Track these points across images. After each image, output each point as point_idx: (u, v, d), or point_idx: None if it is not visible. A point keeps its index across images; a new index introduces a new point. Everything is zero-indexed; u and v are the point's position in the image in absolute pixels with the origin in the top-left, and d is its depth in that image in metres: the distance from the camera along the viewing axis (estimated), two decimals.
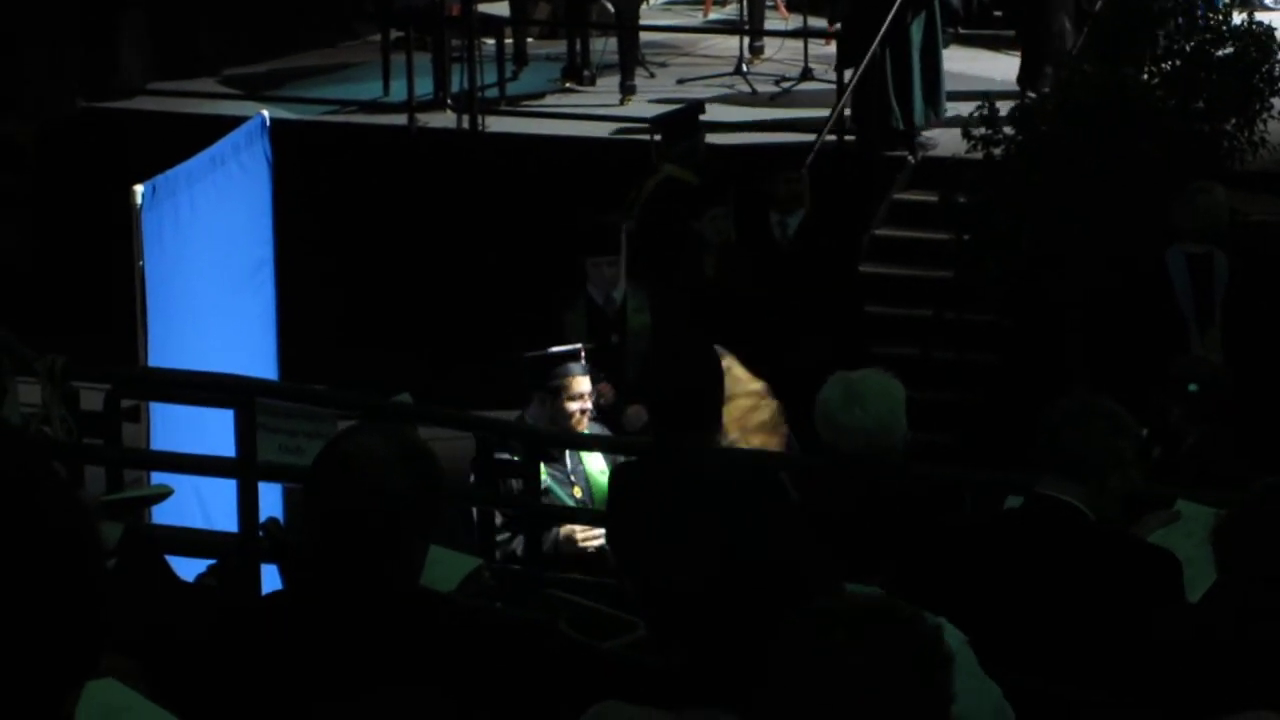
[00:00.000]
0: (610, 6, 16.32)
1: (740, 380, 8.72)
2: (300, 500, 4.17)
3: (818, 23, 17.23)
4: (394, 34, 16.61)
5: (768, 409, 9.20)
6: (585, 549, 8.79)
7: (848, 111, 13.78)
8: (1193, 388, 8.80)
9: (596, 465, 9.00)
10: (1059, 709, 5.15)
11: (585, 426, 9.10)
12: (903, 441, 5.80)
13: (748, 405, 8.86)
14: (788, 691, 2.80)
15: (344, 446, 3.88)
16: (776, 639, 2.80)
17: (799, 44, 16.53)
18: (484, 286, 14.20)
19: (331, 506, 3.80)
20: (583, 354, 9.34)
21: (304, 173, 13.40)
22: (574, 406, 9.07)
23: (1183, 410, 8.80)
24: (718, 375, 6.40)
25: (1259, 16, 14.12)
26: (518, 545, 8.77)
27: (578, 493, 8.95)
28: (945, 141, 13.81)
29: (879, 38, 13.36)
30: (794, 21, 17.72)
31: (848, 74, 13.81)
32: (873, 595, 2.98)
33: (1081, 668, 5.23)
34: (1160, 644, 5.13)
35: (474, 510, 8.91)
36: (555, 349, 9.36)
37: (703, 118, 13.10)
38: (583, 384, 9.12)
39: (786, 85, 16.29)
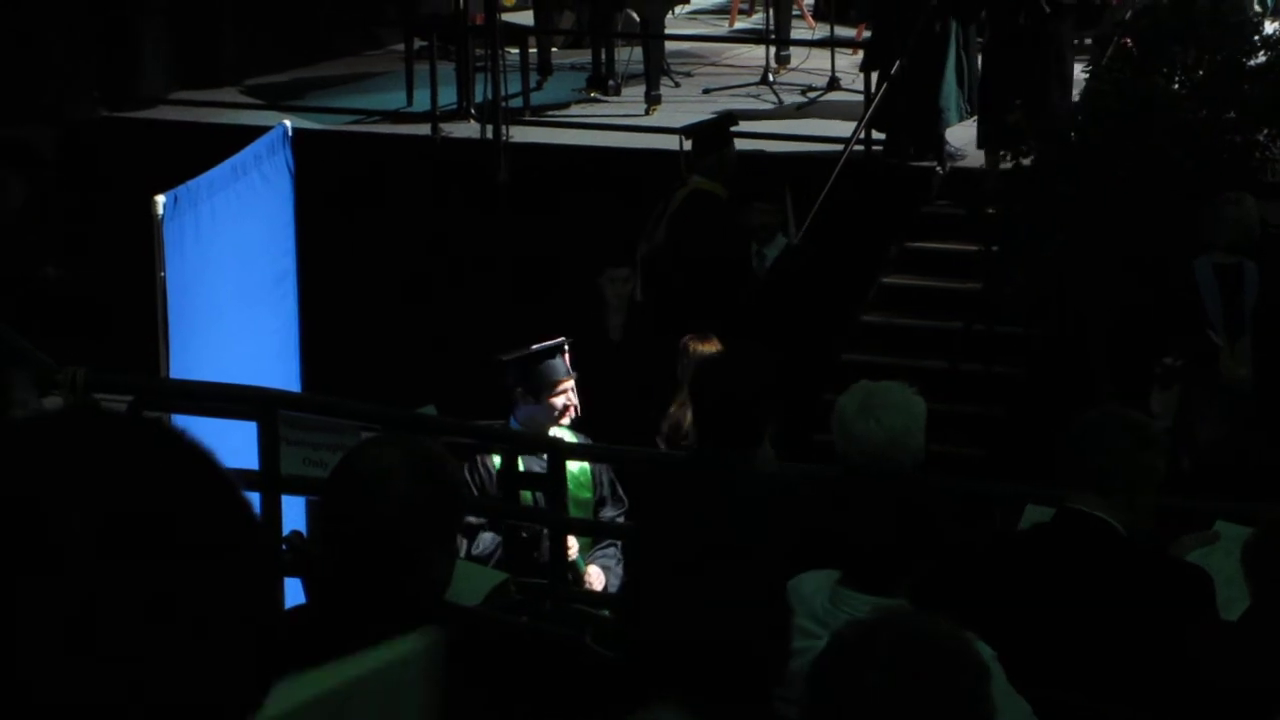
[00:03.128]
0: (635, 16, 16.27)
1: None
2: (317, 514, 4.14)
3: (844, 32, 17.17)
4: (418, 43, 16.58)
5: None
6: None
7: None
8: (1168, 360, 8.71)
9: (574, 465, 9.11)
10: None
11: (567, 420, 9.17)
12: (914, 461, 5.61)
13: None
14: (828, 709, 2.75)
15: (356, 460, 3.85)
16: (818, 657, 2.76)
17: (826, 54, 16.45)
18: (508, 298, 14.14)
19: (346, 522, 3.76)
20: (566, 350, 9.32)
21: (326, 183, 13.35)
22: (559, 402, 9.12)
23: (1211, 415, 8.74)
24: (767, 391, 6.26)
25: None
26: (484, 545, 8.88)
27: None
28: (974, 152, 13.74)
29: (910, 47, 13.26)
30: (820, 31, 17.67)
31: (874, 88, 13.74)
32: (905, 611, 2.93)
33: (1111, 683, 5.17)
34: (1191, 660, 5.07)
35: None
36: (536, 347, 9.30)
37: (733, 129, 13.00)
38: (567, 381, 9.18)
39: (813, 95, 16.23)
